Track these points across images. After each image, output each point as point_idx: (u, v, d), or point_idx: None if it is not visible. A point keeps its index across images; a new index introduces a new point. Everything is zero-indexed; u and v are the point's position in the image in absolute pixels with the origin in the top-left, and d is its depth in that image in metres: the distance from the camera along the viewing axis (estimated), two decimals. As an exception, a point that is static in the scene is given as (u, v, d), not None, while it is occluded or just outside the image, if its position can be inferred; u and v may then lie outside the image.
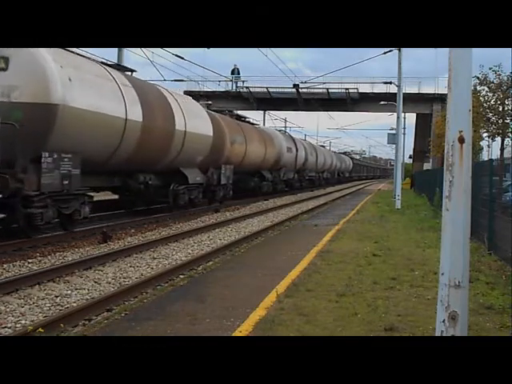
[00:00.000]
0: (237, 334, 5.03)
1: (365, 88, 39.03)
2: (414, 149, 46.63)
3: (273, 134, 32.28)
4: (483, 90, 26.25)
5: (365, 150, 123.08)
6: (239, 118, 28.10)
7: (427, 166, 39.22)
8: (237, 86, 39.49)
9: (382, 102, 33.04)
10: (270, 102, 39.92)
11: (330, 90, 37.91)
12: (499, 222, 9.32)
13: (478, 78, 25.51)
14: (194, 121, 17.54)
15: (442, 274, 3.50)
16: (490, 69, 25.57)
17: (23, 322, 6.17)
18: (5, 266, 9.03)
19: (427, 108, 37.98)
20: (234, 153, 22.82)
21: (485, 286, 7.08)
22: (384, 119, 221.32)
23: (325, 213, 20.73)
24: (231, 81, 38.98)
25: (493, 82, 25.81)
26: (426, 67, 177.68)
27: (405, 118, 39.06)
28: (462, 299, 3.46)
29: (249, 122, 29.64)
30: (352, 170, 74.39)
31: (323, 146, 58.09)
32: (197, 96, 29.80)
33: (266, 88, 38.52)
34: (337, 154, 65.89)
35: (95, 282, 8.28)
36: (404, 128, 38.27)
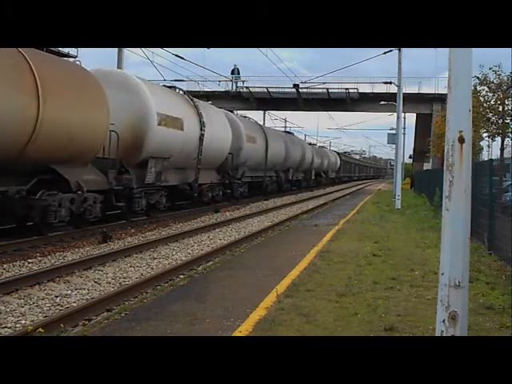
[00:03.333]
0: (237, 334, 5.02)
1: (365, 88, 38.98)
2: (414, 149, 46.61)
3: (101, 74, 13.63)
4: (483, 90, 26.32)
5: (365, 150, 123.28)
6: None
7: (427, 166, 39.23)
8: (237, 86, 39.45)
9: (382, 102, 33.05)
10: (269, 101, 39.86)
11: (329, 90, 37.88)
12: (499, 222, 9.32)
13: (478, 78, 25.56)
14: None
15: (442, 273, 3.50)
16: (490, 69, 25.66)
17: (23, 322, 6.18)
18: (5, 265, 9.04)
19: (427, 108, 37.95)
20: None
21: (485, 286, 7.07)
22: (384, 119, 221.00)
23: (325, 213, 20.72)
24: (231, 81, 38.96)
25: (493, 82, 25.85)
26: (426, 67, 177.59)
27: (405, 118, 39.10)
28: (462, 299, 3.46)
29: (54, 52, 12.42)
30: (340, 169, 60.45)
31: (290, 133, 39.51)
32: (197, 96, 29.69)
33: (266, 88, 38.44)
34: (316, 147, 50.78)
35: (95, 282, 8.29)
36: (404, 128, 38.25)
